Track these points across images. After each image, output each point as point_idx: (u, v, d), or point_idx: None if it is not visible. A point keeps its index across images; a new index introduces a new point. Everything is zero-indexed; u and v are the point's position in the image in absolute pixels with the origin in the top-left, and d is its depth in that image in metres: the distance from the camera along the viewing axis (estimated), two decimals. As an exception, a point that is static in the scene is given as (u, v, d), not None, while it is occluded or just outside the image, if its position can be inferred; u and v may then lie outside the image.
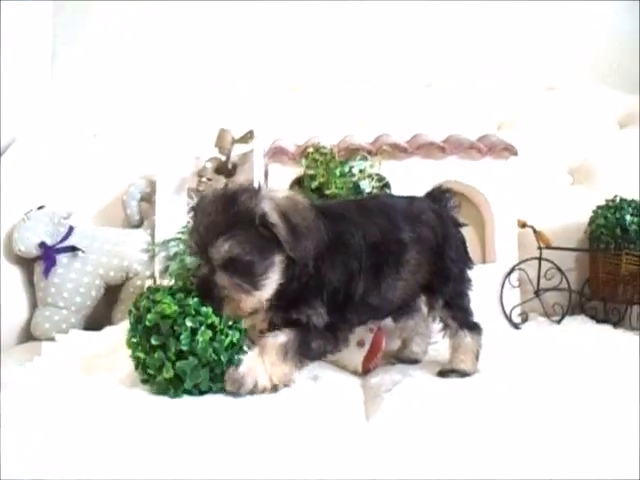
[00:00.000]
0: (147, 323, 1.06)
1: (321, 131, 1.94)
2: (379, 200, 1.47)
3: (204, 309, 1.07)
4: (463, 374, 1.30)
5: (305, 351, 1.15)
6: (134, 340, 1.09)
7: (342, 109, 2.38)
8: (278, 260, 1.11)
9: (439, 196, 1.46)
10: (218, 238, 1.06)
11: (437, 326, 1.49)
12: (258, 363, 1.11)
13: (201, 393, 1.09)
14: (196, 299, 1.08)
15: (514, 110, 2.40)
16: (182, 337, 1.04)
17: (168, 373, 1.04)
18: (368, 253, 1.21)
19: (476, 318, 1.39)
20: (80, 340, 1.63)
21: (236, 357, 1.10)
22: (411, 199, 1.41)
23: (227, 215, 1.08)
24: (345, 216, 1.24)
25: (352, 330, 1.26)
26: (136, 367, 1.12)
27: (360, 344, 1.46)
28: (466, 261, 1.45)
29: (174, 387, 1.07)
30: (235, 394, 1.09)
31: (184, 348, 1.04)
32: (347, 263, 1.18)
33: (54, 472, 0.83)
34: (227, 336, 1.09)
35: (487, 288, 1.80)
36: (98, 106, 2.41)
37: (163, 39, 2.55)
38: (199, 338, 1.05)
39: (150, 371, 1.07)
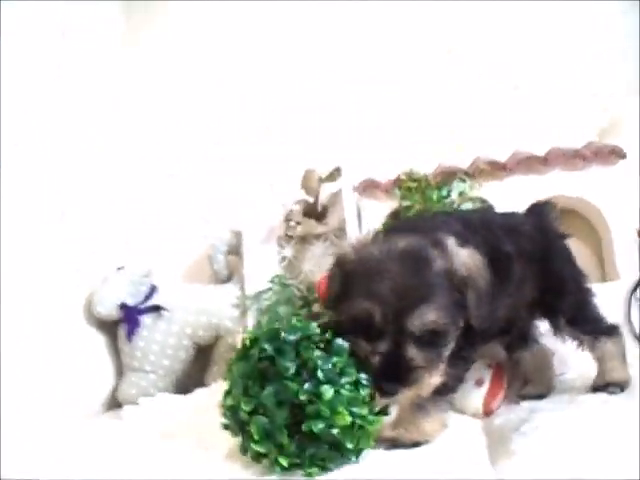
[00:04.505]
0: (314, 428, 0.88)
1: (410, 162, 1.85)
2: (479, 214, 1.40)
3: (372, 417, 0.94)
4: (619, 385, 1.22)
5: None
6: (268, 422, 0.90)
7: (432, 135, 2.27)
8: (460, 327, 0.99)
9: (539, 209, 1.39)
10: (419, 305, 0.91)
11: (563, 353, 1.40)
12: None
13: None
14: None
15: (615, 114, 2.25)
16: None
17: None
18: None
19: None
20: (165, 404, 1.57)
21: None
22: (509, 213, 1.35)
23: (422, 276, 0.93)
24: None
25: (470, 363, 1.14)
26: (241, 430, 0.95)
27: (479, 383, 1.33)
28: (579, 272, 1.34)
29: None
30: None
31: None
32: None
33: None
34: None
35: (612, 309, 1.63)
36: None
37: (240, 83, 2.47)
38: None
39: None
